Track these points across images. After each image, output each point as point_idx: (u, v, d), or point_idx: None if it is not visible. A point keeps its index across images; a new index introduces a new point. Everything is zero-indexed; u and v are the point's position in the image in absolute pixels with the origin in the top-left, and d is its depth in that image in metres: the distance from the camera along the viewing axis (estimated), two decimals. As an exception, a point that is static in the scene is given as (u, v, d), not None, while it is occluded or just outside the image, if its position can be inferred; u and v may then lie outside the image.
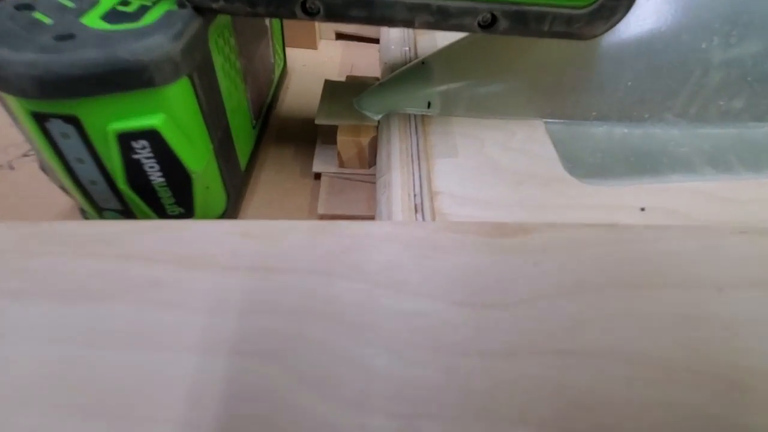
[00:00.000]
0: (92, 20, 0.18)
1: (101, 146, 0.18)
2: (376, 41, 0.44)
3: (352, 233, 0.15)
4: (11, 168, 0.29)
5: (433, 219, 0.20)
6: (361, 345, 0.12)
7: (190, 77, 0.19)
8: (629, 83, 0.25)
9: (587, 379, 0.12)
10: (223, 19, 0.22)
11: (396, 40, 0.36)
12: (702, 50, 0.24)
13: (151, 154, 0.19)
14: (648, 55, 0.24)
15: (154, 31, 0.17)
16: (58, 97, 0.17)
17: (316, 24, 0.44)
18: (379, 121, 0.27)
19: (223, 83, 0.23)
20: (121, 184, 0.20)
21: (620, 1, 0.19)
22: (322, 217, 0.27)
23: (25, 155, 0.30)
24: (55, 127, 0.18)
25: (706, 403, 0.12)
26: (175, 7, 0.19)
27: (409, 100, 0.27)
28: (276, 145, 0.33)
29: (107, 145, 0.18)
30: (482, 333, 0.13)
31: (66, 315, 0.13)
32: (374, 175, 0.27)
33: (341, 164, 0.28)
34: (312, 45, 0.45)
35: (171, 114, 0.18)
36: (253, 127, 0.30)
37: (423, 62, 0.27)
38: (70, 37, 0.17)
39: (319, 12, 0.19)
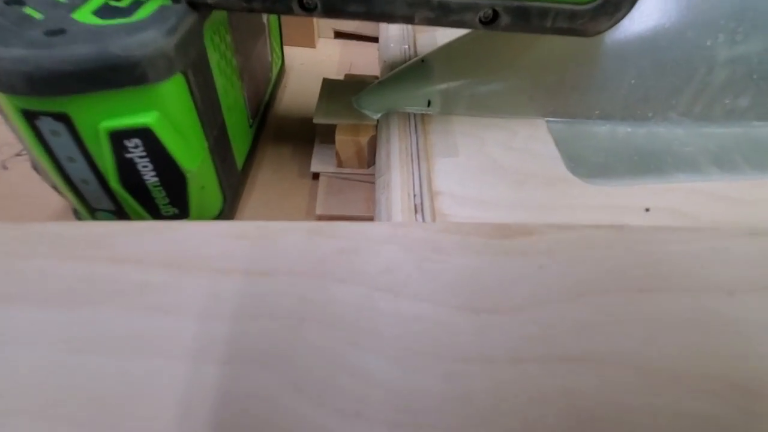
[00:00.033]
0: (84, 15, 0.17)
1: (93, 145, 0.18)
2: (375, 40, 0.44)
3: (349, 235, 0.15)
4: (4, 168, 0.29)
5: (434, 220, 0.20)
6: (359, 351, 0.12)
7: (185, 74, 0.18)
8: (633, 81, 0.24)
9: (594, 386, 0.11)
10: (218, 15, 0.22)
11: (395, 38, 0.36)
12: (707, 48, 0.23)
13: (144, 153, 0.19)
14: (652, 52, 0.23)
15: (147, 26, 0.17)
16: (48, 93, 0.16)
17: (315, 22, 0.44)
18: (378, 120, 0.27)
19: (219, 81, 0.22)
20: (114, 183, 0.19)
21: (625, -4, 0.19)
22: (321, 218, 0.26)
23: (18, 155, 0.30)
24: (46, 124, 0.17)
25: (718, 411, 0.11)
26: (168, 3, 0.18)
27: (409, 98, 0.26)
28: (274, 144, 0.33)
29: (99, 143, 0.18)
30: (484, 338, 0.12)
31: (51, 320, 0.12)
32: (373, 175, 0.27)
33: (340, 164, 0.28)
34: (310, 43, 0.44)
35: (165, 112, 0.18)
36: (250, 126, 0.30)
37: (423, 60, 0.27)
38: (60, 32, 0.16)
39: (316, 8, 0.19)
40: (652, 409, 0.11)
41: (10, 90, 0.16)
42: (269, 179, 0.30)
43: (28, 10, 0.18)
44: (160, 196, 0.21)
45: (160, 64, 0.17)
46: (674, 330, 0.12)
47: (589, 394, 0.11)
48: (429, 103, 0.26)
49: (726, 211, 0.21)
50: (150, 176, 0.19)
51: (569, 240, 0.14)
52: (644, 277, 0.14)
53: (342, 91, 0.29)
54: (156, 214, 0.21)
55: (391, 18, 0.19)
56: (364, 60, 0.43)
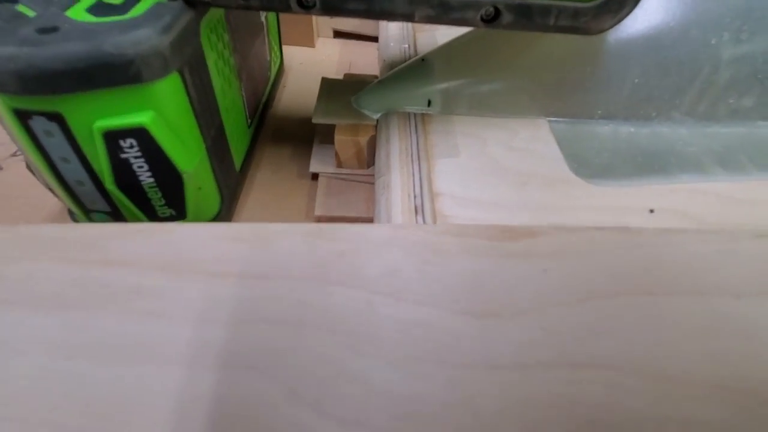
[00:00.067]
0: (78, 13, 0.17)
1: (87, 145, 0.18)
2: (375, 39, 0.44)
3: (349, 237, 0.14)
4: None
5: (434, 221, 0.20)
6: (359, 357, 0.12)
7: (181, 73, 0.18)
8: (636, 80, 0.24)
9: (601, 393, 0.11)
10: (216, 14, 0.21)
11: (395, 37, 0.35)
12: (712, 46, 0.23)
13: (139, 154, 0.18)
14: (655, 51, 0.23)
15: (142, 23, 0.16)
16: (40, 92, 0.16)
17: (314, 21, 0.43)
18: (378, 120, 0.27)
19: (217, 80, 0.22)
20: (109, 184, 0.19)
21: (629, -6, 0.18)
22: (320, 219, 0.26)
23: (13, 155, 0.29)
24: (39, 124, 0.17)
25: (728, 418, 0.11)
26: (164, 0, 0.18)
27: (409, 98, 0.26)
28: (272, 144, 0.32)
29: (93, 143, 0.17)
30: (488, 344, 0.12)
31: (43, 325, 0.12)
32: (373, 175, 0.27)
33: (339, 164, 0.27)
34: (309, 43, 0.44)
35: (160, 111, 0.18)
36: (249, 126, 0.29)
37: (423, 59, 0.26)
38: (53, 29, 0.16)
39: (315, 5, 0.18)
40: (661, 417, 0.11)
41: (2, 89, 0.16)
42: (268, 180, 0.30)
43: (20, 8, 0.17)
44: (156, 198, 0.20)
45: (155, 62, 0.16)
46: (682, 335, 0.12)
47: (596, 401, 0.11)
48: (429, 103, 0.26)
49: (731, 212, 0.21)
50: (146, 177, 0.19)
51: (574, 242, 0.14)
52: (651, 280, 0.13)
53: (341, 91, 0.28)
54: (152, 215, 0.21)
55: (390, 16, 0.19)
56: (364, 60, 0.43)
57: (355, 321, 0.12)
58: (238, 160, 0.27)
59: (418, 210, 0.20)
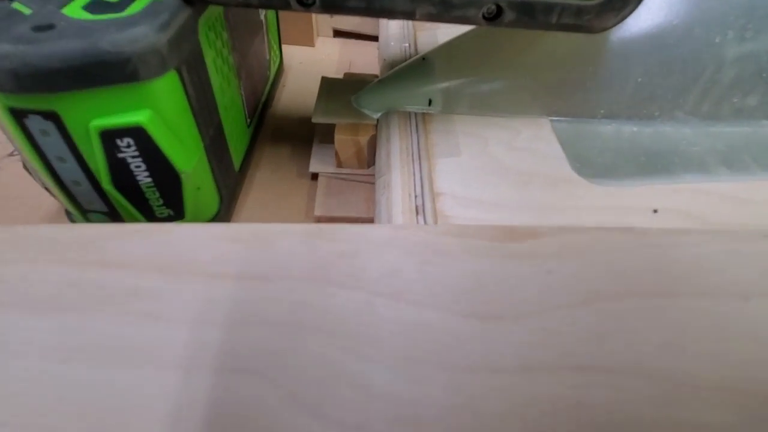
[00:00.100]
0: (74, 10, 0.17)
1: (83, 144, 0.17)
2: (375, 39, 0.43)
3: (349, 237, 0.14)
4: (-4, 168, 0.28)
5: (435, 221, 0.19)
6: (359, 360, 0.11)
7: (178, 71, 0.18)
8: (639, 79, 0.24)
9: (607, 397, 0.11)
10: (214, 12, 0.21)
11: (395, 36, 0.35)
12: (715, 45, 0.23)
13: (136, 153, 0.18)
14: (659, 49, 0.23)
15: (139, 21, 0.16)
16: (36, 91, 0.16)
17: (313, 20, 0.43)
18: (378, 120, 0.26)
19: (215, 79, 0.22)
20: (106, 184, 0.19)
21: (633, -9, 0.18)
22: (319, 219, 0.26)
23: (10, 155, 0.29)
24: (34, 123, 0.17)
25: (737, 422, 0.11)
26: (162, -3, 0.18)
27: (410, 97, 0.26)
28: (272, 144, 0.32)
29: (90, 143, 0.17)
30: (491, 347, 0.12)
31: (38, 327, 0.12)
32: (373, 175, 0.26)
33: (339, 164, 0.27)
34: (309, 42, 0.44)
35: (158, 110, 0.17)
36: (248, 126, 0.29)
37: (424, 58, 0.26)
38: (49, 27, 0.16)
39: (314, 3, 0.18)
40: (668, 422, 0.11)
41: (-3, 87, 0.15)
42: (267, 180, 0.29)
43: (16, 5, 0.17)
44: (154, 198, 0.20)
45: (152, 60, 0.16)
46: (690, 337, 0.12)
47: (602, 405, 0.11)
48: (430, 102, 0.25)
49: (736, 212, 0.20)
50: (143, 177, 0.19)
51: (578, 243, 0.14)
52: (657, 281, 0.13)
53: (341, 90, 0.28)
54: (150, 215, 0.21)
55: (391, 14, 0.18)
56: (364, 59, 0.43)
57: (355, 323, 0.12)
58: (237, 160, 0.27)
59: (418, 210, 0.20)
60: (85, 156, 0.18)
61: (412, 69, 0.26)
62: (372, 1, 0.18)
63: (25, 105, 0.16)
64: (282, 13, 0.37)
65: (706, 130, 0.24)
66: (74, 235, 0.14)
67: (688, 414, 0.11)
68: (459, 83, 0.25)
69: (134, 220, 0.21)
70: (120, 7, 0.17)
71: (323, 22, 0.45)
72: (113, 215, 0.21)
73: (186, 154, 0.19)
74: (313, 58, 0.43)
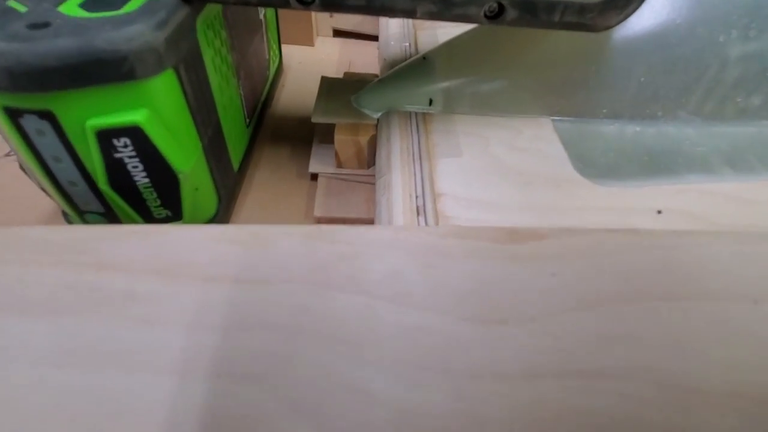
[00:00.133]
0: (70, 8, 0.17)
1: (79, 144, 0.17)
2: (375, 38, 0.43)
3: (350, 239, 0.14)
4: (-8, 168, 0.28)
5: (436, 222, 0.19)
6: (360, 366, 0.11)
7: (176, 70, 0.18)
8: (642, 79, 0.23)
9: (614, 404, 0.11)
10: (212, 10, 0.21)
11: (395, 35, 0.35)
12: (719, 44, 0.22)
13: (133, 153, 0.18)
14: (662, 48, 0.23)
15: (135, 19, 0.16)
16: (31, 90, 0.15)
17: (313, 20, 0.43)
18: (378, 120, 0.26)
19: (214, 78, 0.22)
20: (102, 185, 0.18)
21: (636, -11, 0.18)
22: (319, 220, 0.26)
23: (6, 155, 0.29)
24: (30, 123, 0.16)
25: (745, 429, 0.11)
26: (159, -5, 0.17)
27: (410, 97, 0.25)
28: (271, 144, 0.32)
29: (86, 143, 0.17)
30: (495, 352, 0.11)
31: (31, 331, 0.12)
32: (373, 175, 0.26)
33: (339, 164, 0.27)
34: (309, 42, 0.44)
35: (155, 109, 0.17)
36: (247, 126, 0.29)
37: (424, 57, 0.26)
38: (44, 25, 0.16)
39: (314, 1, 0.18)
40: (676, 429, 0.10)
41: (-9, 86, 0.15)
42: (266, 180, 0.29)
43: (11, 3, 0.17)
44: (151, 198, 0.20)
45: (149, 58, 0.16)
46: (698, 342, 0.12)
47: (609, 412, 0.11)
48: (431, 102, 0.25)
49: (741, 213, 0.20)
50: (141, 177, 0.19)
51: (583, 245, 0.14)
52: (664, 284, 0.13)
53: (341, 90, 0.28)
54: (147, 216, 0.21)
55: (392, 12, 0.18)
56: (364, 59, 0.42)
57: (355, 327, 0.12)
58: (236, 160, 0.26)
59: (419, 211, 0.20)
60: (82, 156, 0.18)
61: (413, 68, 0.26)
62: (372, -1, 0.18)
63: (20, 104, 0.16)
64: (281, 13, 0.37)
65: (710, 130, 0.24)
66: (70, 236, 0.14)
67: (696, 420, 0.11)
68: (460, 83, 0.25)
69: (131, 221, 0.21)
70: (117, 4, 0.17)
71: (323, 21, 0.45)
72: (110, 216, 0.21)
73: (184, 154, 0.19)
74: (313, 57, 0.42)
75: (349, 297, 0.12)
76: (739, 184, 0.21)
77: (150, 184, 0.19)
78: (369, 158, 0.27)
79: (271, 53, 0.34)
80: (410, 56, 0.32)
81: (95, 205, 0.20)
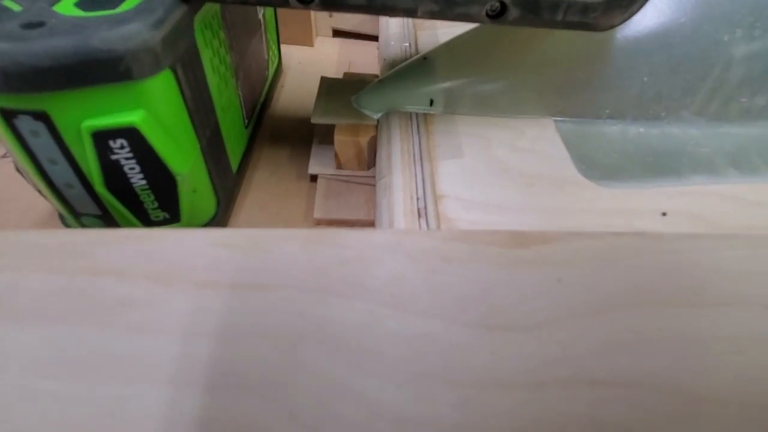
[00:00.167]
0: (66, 7, 0.16)
1: (75, 146, 0.17)
2: (375, 39, 0.43)
3: (351, 243, 0.14)
4: (-12, 170, 0.28)
5: (438, 224, 0.19)
6: (361, 375, 0.11)
7: (173, 70, 0.17)
8: (645, 79, 0.23)
9: (624, 413, 0.10)
10: (211, 9, 0.21)
11: (396, 35, 0.35)
12: (723, 44, 0.22)
13: (130, 155, 0.17)
14: (666, 48, 0.22)
15: (132, 18, 0.16)
16: (26, 90, 0.15)
17: (312, 20, 0.43)
18: (378, 120, 0.26)
19: (212, 78, 0.21)
20: (99, 187, 0.18)
21: (641, -12, 0.18)
22: (319, 222, 0.25)
23: (3, 157, 0.29)
24: (24, 124, 0.16)
25: (759, 440, 0.10)
26: (156, -6, 0.17)
27: (411, 97, 0.25)
28: (270, 145, 0.31)
29: (82, 144, 0.17)
30: (501, 360, 0.11)
31: (22, 339, 0.11)
32: (374, 177, 0.26)
33: (339, 165, 0.27)
34: (308, 42, 0.43)
35: (152, 110, 0.17)
36: (246, 127, 0.28)
37: (425, 57, 0.26)
38: (39, 24, 0.15)
39: (313, 0, 0.18)
40: (687, 439, 0.10)
41: (-15, 87, 0.15)
42: (265, 182, 0.29)
43: (6, 2, 0.16)
44: (148, 201, 0.19)
45: (146, 58, 0.15)
46: (710, 349, 0.11)
47: (618, 422, 0.10)
48: (431, 102, 0.25)
49: (747, 215, 0.20)
50: (138, 179, 0.18)
51: (590, 249, 0.13)
52: (674, 289, 0.12)
53: (341, 90, 0.27)
54: (145, 219, 0.20)
55: (392, 11, 0.18)
56: (363, 59, 0.42)
57: (357, 335, 0.11)
58: (234, 162, 0.26)
59: (421, 213, 0.20)
60: (77, 158, 0.17)
61: (413, 69, 0.26)
62: (373, -2, 0.17)
63: (14, 105, 0.16)
64: (281, 12, 0.36)
65: (714, 130, 0.24)
66: (63, 241, 0.14)
67: (707, 430, 0.10)
68: (461, 83, 0.24)
69: (128, 223, 0.20)
70: (113, 3, 0.16)
71: (322, 21, 0.44)
72: (107, 219, 0.20)
73: (182, 155, 0.19)
74: (312, 58, 0.42)
75: (350, 303, 0.12)
76: (743, 185, 0.21)
77: (147, 186, 0.19)
78: (369, 159, 0.26)
79: (270, 53, 0.34)
80: (410, 56, 0.31)
81: (92, 208, 0.20)
